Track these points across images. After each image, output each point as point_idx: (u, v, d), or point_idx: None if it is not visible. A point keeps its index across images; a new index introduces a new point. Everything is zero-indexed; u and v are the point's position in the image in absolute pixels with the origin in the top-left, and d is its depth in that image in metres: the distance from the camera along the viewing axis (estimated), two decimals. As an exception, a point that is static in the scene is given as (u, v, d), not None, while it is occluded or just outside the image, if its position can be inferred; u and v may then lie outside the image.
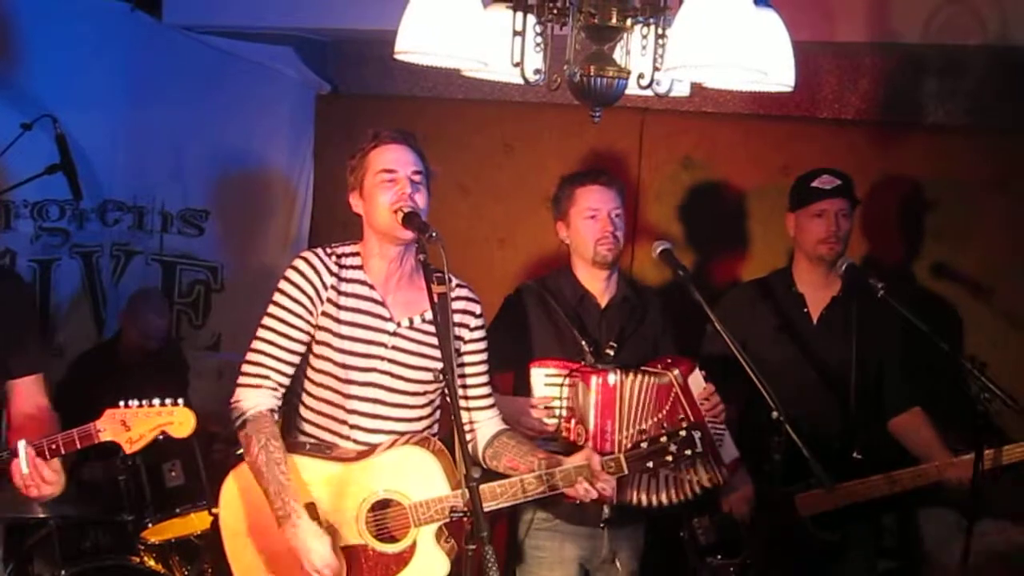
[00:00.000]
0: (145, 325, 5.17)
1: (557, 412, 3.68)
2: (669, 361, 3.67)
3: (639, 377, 3.58)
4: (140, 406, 3.06)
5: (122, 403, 3.06)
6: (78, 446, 3.05)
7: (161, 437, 3.08)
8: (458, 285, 3.42)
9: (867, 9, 4.48)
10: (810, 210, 3.98)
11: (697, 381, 3.63)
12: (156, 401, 3.07)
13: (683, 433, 3.32)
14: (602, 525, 3.77)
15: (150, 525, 4.50)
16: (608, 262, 3.80)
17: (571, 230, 3.85)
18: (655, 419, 3.57)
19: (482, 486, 3.04)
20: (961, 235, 4.77)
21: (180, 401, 3.09)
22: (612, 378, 3.55)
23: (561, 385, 3.67)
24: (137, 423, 3.06)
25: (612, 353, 3.74)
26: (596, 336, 3.79)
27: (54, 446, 3.04)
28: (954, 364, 3.79)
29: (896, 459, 3.97)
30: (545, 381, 3.70)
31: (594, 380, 3.55)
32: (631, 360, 3.72)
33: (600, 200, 3.79)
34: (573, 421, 3.61)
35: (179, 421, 3.09)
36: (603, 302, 3.87)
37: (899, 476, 3.88)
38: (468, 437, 3.42)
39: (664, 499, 3.64)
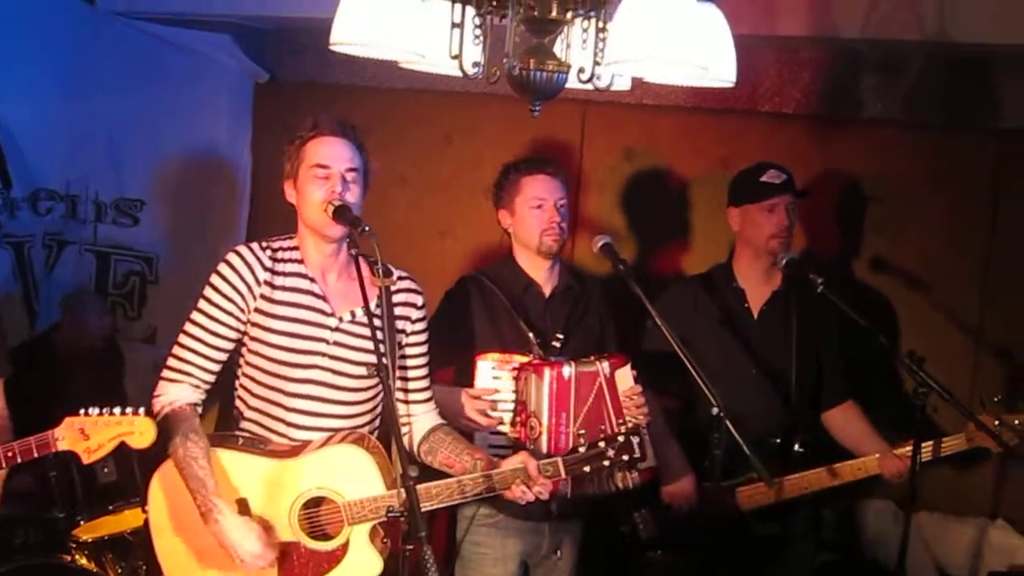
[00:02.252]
0: (85, 327, 5.10)
1: (503, 406, 3.64)
2: (604, 354, 3.66)
3: (579, 368, 3.57)
4: (100, 414, 2.99)
5: (82, 411, 2.99)
6: (35, 455, 2.99)
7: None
8: (400, 277, 3.38)
9: (808, 4, 4.49)
10: (762, 205, 3.98)
11: (625, 377, 3.62)
12: (116, 410, 3.01)
13: (622, 438, 3.33)
14: (548, 520, 3.75)
15: (82, 523, 4.41)
16: (552, 252, 3.79)
17: (516, 219, 3.82)
18: (586, 408, 3.55)
19: (418, 486, 3.01)
20: (898, 230, 4.82)
21: (141, 410, 3.02)
22: (567, 371, 3.54)
23: (511, 378, 3.64)
24: (96, 432, 3.00)
25: (559, 345, 3.72)
26: (542, 327, 3.77)
27: (10, 454, 2.96)
28: (892, 358, 3.82)
29: (837, 452, 3.99)
30: (493, 374, 3.67)
31: (548, 373, 3.53)
32: (578, 351, 3.71)
33: (547, 190, 3.77)
34: (523, 415, 3.57)
35: (139, 431, 3.03)
36: (547, 291, 3.85)
37: (840, 469, 3.91)
38: (404, 431, 3.40)
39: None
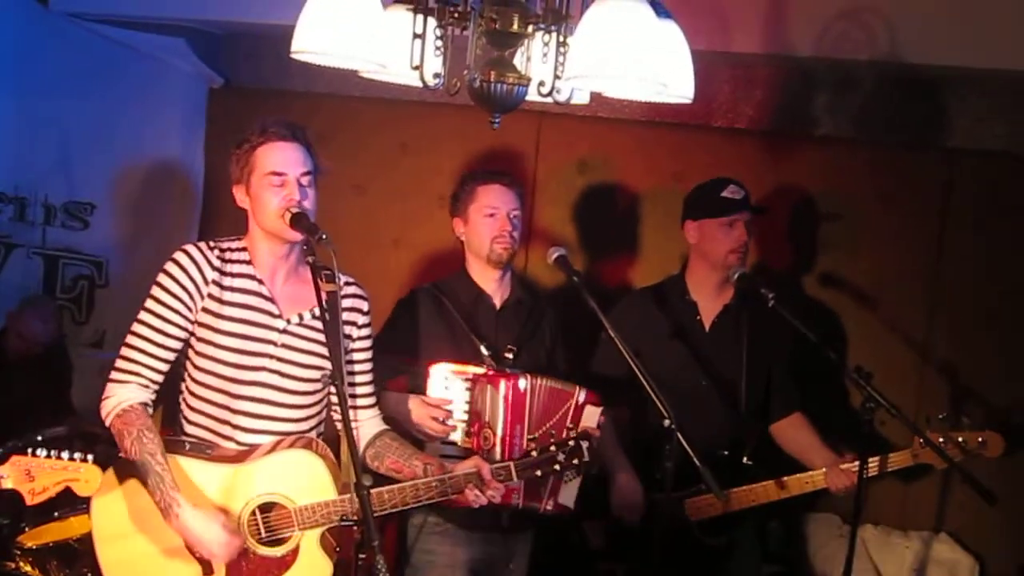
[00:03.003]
0: (27, 329, 5.03)
1: (457, 415, 3.64)
2: (584, 387, 3.65)
3: (545, 383, 3.59)
4: (48, 456, 2.95)
5: (29, 451, 2.94)
6: None
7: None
8: (346, 283, 3.36)
9: (763, 21, 4.55)
10: (722, 221, 4.00)
11: (591, 415, 3.62)
12: (65, 454, 2.96)
13: (572, 443, 3.39)
14: (498, 531, 3.75)
15: (27, 529, 4.35)
16: (502, 261, 3.80)
17: (468, 226, 3.84)
18: (547, 425, 3.57)
19: (372, 490, 3.02)
20: (848, 246, 4.88)
21: (90, 458, 2.98)
22: (523, 383, 3.55)
23: (465, 388, 3.64)
24: (42, 475, 2.95)
25: (511, 357, 3.73)
26: (492, 339, 3.78)
27: None
28: (840, 373, 3.86)
29: (785, 465, 4.03)
30: (446, 383, 3.66)
31: (503, 384, 3.54)
32: (528, 365, 3.72)
33: (500, 199, 3.79)
34: (477, 426, 3.57)
35: (85, 479, 2.98)
36: (498, 303, 3.86)
37: (788, 482, 3.94)
38: None
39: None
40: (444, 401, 3.64)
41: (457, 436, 3.64)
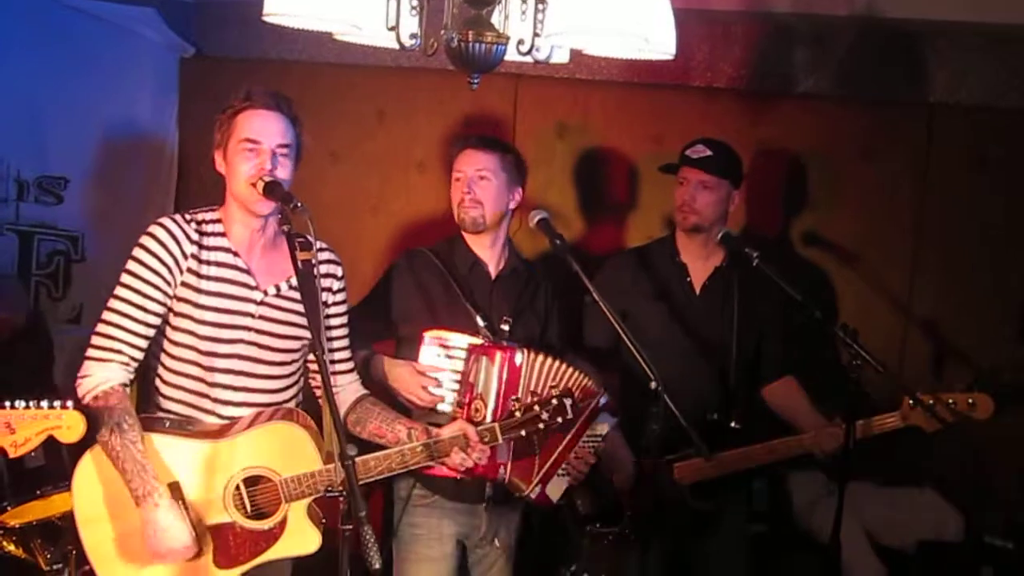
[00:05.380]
0: (5, 312, 4.97)
1: (447, 384, 3.60)
2: (606, 392, 3.61)
3: (547, 360, 3.54)
4: (27, 407, 2.90)
5: (8, 403, 2.89)
6: None
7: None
8: (319, 249, 3.30)
9: (740, -23, 4.51)
10: (677, 176, 4.00)
11: (605, 422, 3.62)
12: (44, 403, 2.91)
13: (555, 401, 3.36)
14: (485, 503, 3.73)
15: (9, 508, 4.30)
16: (466, 227, 3.75)
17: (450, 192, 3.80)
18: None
19: (357, 459, 3.00)
20: (831, 203, 4.87)
21: (70, 404, 2.94)
22: (519, 357, 3.49)
23: (459, 358, 3.59)
24: (23, 426, 2.90)
25: (507, 329, 3.66)
26: (487, 308, 3.72)
27: None
28: (827, 331, 3.84)
29: (773, 428, 4.02)
30: (438, 352, 3.62)
31: (499, 357, 3.48)
32: (521, 337, 3.67)
33: (465, 163, 3.74)
34: (468, 397, 3.51)
35: (67, 425, 2.94)
36: (493, 272, 3.81)
37: (776, 445, 3.93)
38: None
39: None
40: (435, 369, 3.60)
41: (446, 406, 3.60)
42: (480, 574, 3.86)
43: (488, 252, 3.80)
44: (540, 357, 3.53)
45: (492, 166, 3.75)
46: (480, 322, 3.67)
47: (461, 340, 3.61)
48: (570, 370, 3.55)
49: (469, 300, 3.71)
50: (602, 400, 3.58)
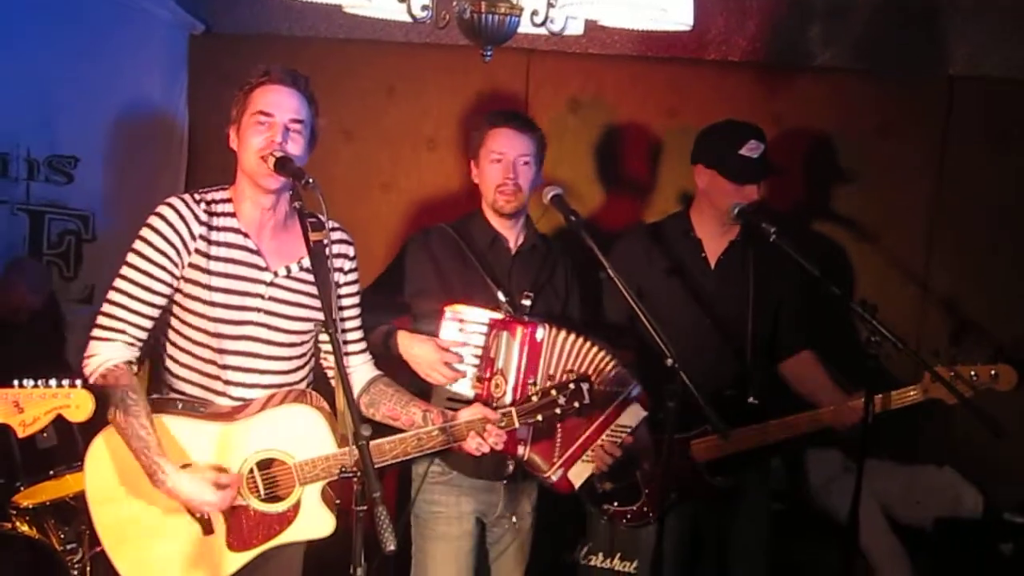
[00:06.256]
0: (15, 296, 4.96)
1: (468, 360, 3.56)
2: (638, 384, 3.57)
3: (569, 337, 3.49)
4: (35, 386, 2.87)
5: (16, 382, 2.87)
6: None
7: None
8: (331, 228, 3.25)
9: (755, -50, 4.46)
10: (736, 181, 3.88)
11: (633, 413, 3.56)
12: (52, 382, 2.89)
13: (572, 386, 3.32)
14: (504, 480, 3.70)
15: (22, 489, 4.32)
16: (504, 213, 3.69)
17: (479, 171, 3.74)
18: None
19: (371, 443, 2.95)
20: (848, 177, 4.81)
21: (78, 383, 2.91)
22: (540, 332, 3.44)
23: (480, 333, 3.54)
24: (31, 405, 2.87)
25: (528, 304, 3.62)
26: (506, 283, 3.68)
27: None
28: (845, 308, 3.80)
29: (791, 404, 3.97)
30: (460, 327, 3.56)
31: (520, 331, 3.43)
32: (543, 312, 3.64)
33: (508, 144, 3.67)
34: (489, 373, 3.47)
35: (76, 404, 2.91)
36: (513, 247, 3.76)
37: (794, 421, 3.89)
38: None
39: None
40: (457, 344, 3.56)
41: (466, 383, 3.55)
42: (498, 552, 3.84)
43: (509, 228, 3.76)
44: (563, 333, 3.48)
45: (532, 150, 3.70)
46: (501, 297, 3.62)
47: (482, 315, 3.55)
48: (595, 349, 3.51)
49: (489, 275, 3.67)
50: (634, 391, 3.54)
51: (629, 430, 3.59)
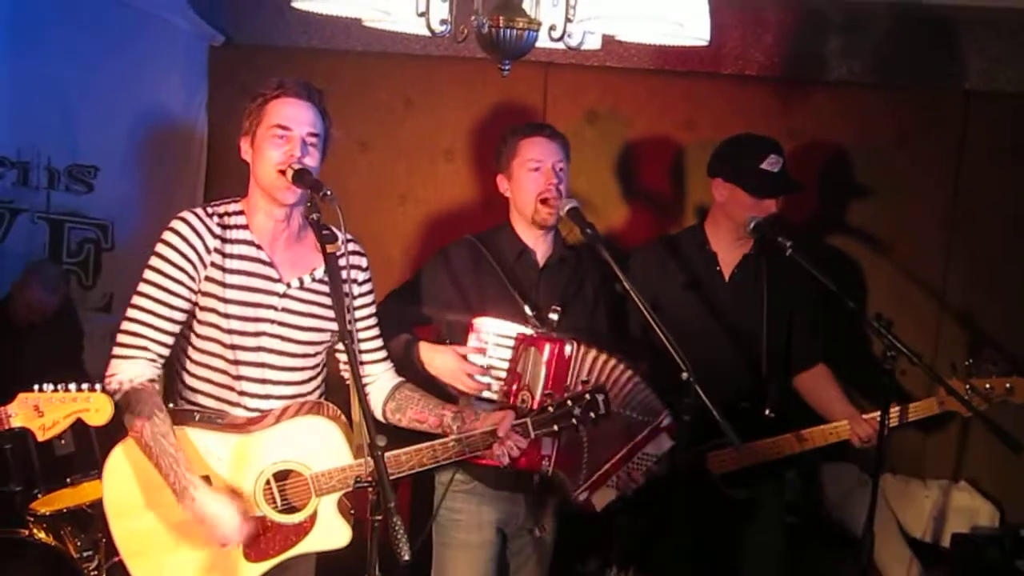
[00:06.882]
0: (33, 298, 4.98)
1: (495, 372, 3.55)
2: (671, 411, 3.55)
3: (600, 357, 3.47)
4: (55, 390, 2.90)
5: (36, 387, 2.89)
6: None
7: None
8: (345, 240, 3.28)
9: (772, -37, 4.47)
10: (756, 195, 3.88)
11: (660, 442, 3.56)
12: (72, 386, 2.91)
13: (588, 397, 3.32)
14: (526, 492, 3.69)
15: (39, 496, 4.33)
16: (547, 224, 3.67)
17: (512, 183, 3.71)
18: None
19: (387, 454, 2.97)
20: (864, 191, 4.81)
21: (97, 387, 2.93)
22: (568, 349, 3.42)
23: (508, 347, 3.54)
24: (51, 409, 2.90)
25: (556, 318, 3.59)
26: (534, 297, 3.66)
27: None
28: (860, 322, 3.80)
29: (806, 417, 3.98)
30: (487, 340, 3.56)
31: (548, 348, 3.42)
32: (569, 326, 3.60)
33: (544, 151, 3.65)
34: (515, 387, 3.46)
35: (95, 408, 2.93)
36: (541, 260, 3.74)
37: (809, 434, 3.89)
38: (367, 390, 3.39)
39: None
40: (481, 354, 3.55)
41: (491, 394, 3.55)
42: (519, 565, 3.82)
43: (539, 240, 3.74)
44: (592, 352, 3.46)
45: (565, 156, 3.70)
46: (528, 311, 3.62)
47: (510, 328, 3.55)
48: (621, 367, 3.50)
49: (517, 289, 3.66)
50: (665, 420, 3.53)
51: (655, 459, 3.58)
